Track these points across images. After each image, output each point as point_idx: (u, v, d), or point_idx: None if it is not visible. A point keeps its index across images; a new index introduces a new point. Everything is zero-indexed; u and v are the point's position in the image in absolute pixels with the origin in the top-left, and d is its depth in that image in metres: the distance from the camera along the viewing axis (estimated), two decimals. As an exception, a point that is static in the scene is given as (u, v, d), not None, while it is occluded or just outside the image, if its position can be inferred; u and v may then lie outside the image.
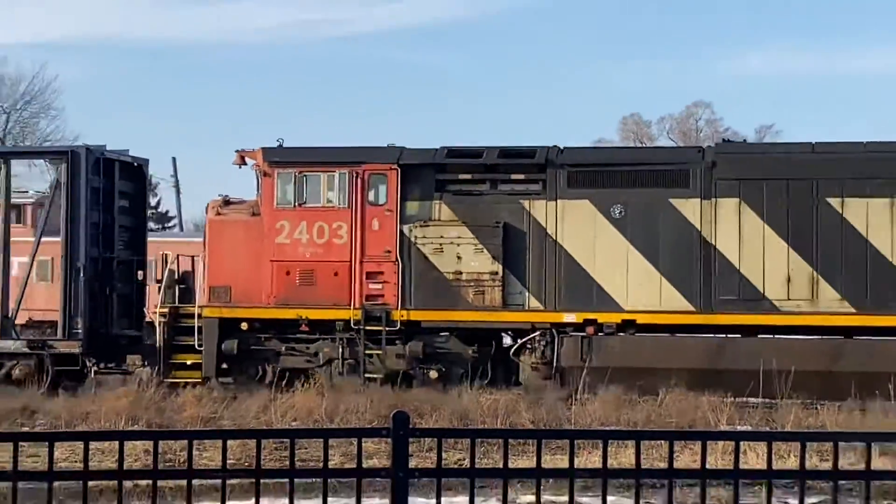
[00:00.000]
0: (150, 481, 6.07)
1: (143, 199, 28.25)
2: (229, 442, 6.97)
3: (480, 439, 7.35)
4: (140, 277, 25.84)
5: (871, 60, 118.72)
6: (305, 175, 23.48)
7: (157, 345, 23.31)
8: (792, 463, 6.65)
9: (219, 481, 6.15)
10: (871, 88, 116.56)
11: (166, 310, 23.32)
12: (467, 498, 5.69)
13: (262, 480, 5.85)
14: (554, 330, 22.44)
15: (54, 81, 65.34)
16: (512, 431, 7.51)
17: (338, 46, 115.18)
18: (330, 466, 6.15)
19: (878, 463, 7.34)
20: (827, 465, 6.23)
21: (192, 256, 24.87)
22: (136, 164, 27.71)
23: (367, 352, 22.82)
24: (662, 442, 7.42)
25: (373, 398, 19.30)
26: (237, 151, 24.28)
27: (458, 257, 22.86)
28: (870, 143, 23.25)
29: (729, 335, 22.26)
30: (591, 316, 22.24)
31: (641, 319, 22.22)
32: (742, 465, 5.82)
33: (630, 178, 23.10)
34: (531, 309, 22.80)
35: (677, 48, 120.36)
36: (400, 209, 22.96)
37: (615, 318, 22.18)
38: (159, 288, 24.13)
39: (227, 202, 24.84)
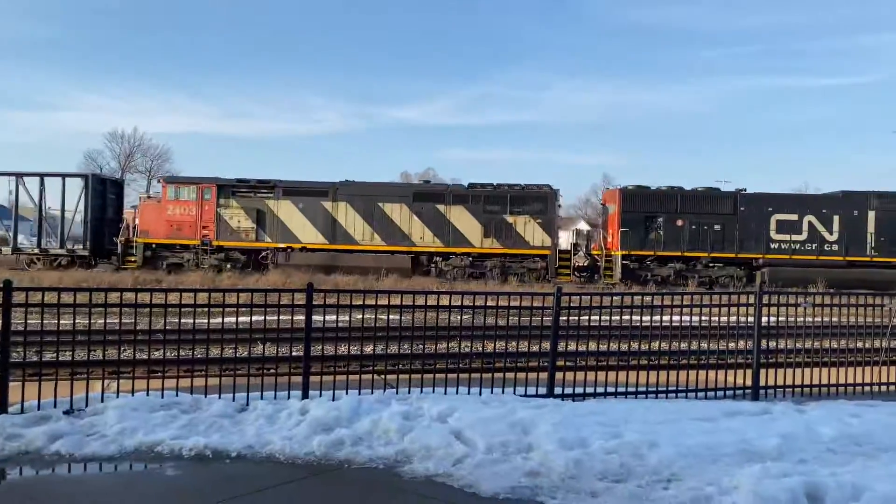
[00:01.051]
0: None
1: (121, 195, 34.22)
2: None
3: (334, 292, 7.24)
4: (119, 226, 31.03)
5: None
6: (180, 187, 30.37)
7: (119, 252, 30.11)
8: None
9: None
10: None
11: (123, 239, 30.16)
12: (335, 316, 7.24)
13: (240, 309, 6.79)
14: (276, 250, 29.79)
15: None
16: (338, 290, 7.18)
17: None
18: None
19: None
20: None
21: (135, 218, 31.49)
22: (118, 181, 35.47)
23: (203, 257, 29.71)
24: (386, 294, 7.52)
25: (221, 277, 26.89)
26: (157, 179, 32.41)
27: (239, 221, 30.02)
28: (398, 182, 32.38)
29: (339, 252, 29.50)
30: (289, 244, 29.68)
31: (309, 246, 29.71)
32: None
33: (306, 192, 30.00)
34: (267, 242, 29.95)
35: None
36: (216, 202, 29.88)
37: (299, 245, 29.71)
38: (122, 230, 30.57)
39: (149, 197, 31.80)
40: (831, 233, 29.17)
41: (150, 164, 69.56)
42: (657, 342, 8.27)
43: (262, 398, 6.90)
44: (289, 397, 7.00)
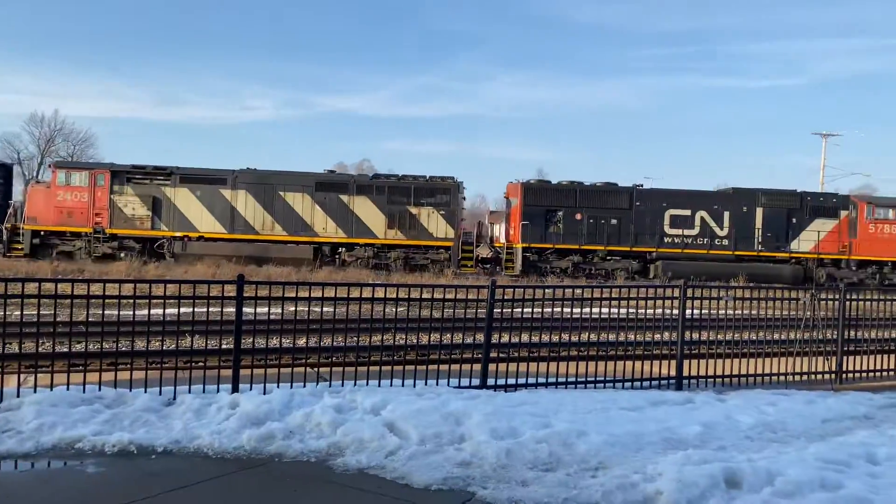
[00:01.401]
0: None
1: (9, 179, 34.16)
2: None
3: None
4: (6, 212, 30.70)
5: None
6: (71, 173, 30.70)
7: (5, 239, 29.98)
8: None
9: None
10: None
11: (9, 225, 30.06)
12: (266, 309, 7.44)
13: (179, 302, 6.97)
14: (172, 239, 30.25)
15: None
16: (270, 282, 7.18)
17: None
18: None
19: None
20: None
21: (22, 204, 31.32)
22: (5, 165, 35.42)
23: (95, 245, 29.88)
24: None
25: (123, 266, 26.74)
26: (49, 165, 32.10)
27: (133, 209, 30.35)
28: (300, 171, 31.51)
29: (238, 242, 30.10)
30: (187, 233, 30.16)
31: (206, 235, 30.34)
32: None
33: (204, 180, 30.58)
34: (163, 230, 30.44)
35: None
36: (110, 188, 30.17)
37: (196, 234, 30.37)
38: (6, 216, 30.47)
39: (37, 182, 32.46)
40: (722, 228, 31.45)
41: (73, 150, 67.70)
42: (587, 334, 8.84)
43: (190, 392, 6.96)
44: (218, 391, 7.09)
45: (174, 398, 6.90)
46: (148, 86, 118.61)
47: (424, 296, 8.13)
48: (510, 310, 8.46)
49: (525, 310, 8.56)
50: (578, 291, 8.89)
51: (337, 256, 30.87)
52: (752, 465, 5.75)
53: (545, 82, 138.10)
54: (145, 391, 6.88)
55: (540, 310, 8.56)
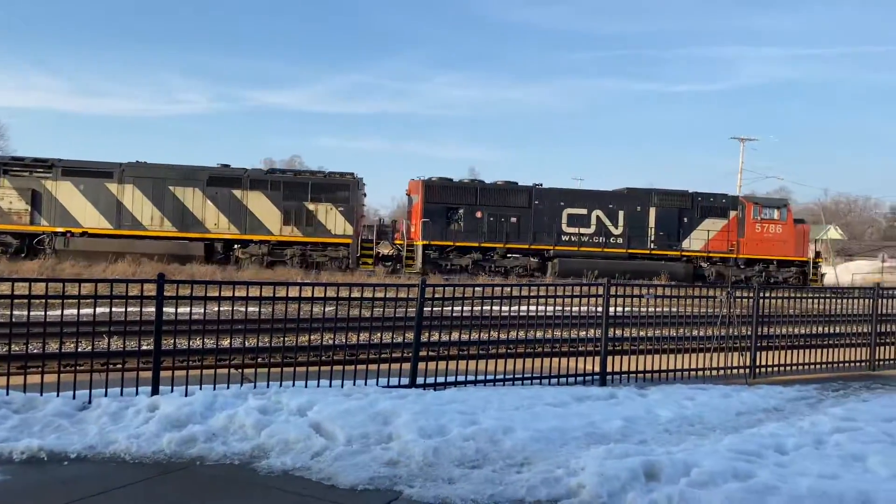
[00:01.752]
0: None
1: None
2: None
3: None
4: None
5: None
6: None
7: None
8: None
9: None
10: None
11: None
12: (188, 309, 7.41)
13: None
14: (54, 234, 29.00)
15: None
16: (192, 280, 7.33)
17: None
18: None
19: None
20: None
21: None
22: None
23: None
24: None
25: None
26: None
27: (11, 202, 29.07)
28: (192, 165, 30.88)
29: (125, 238, 29.26)
30: (70, 229, 29.08)
31: (91, 231, 29.25)
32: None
33: (89, 173, 29.59)
34: (44, 225, 29.13)
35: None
36: None
37: (79, 231, 29.24)
38: None
39: None
40: (617, 227, 32.74)
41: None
42: (515, 331, 9.07)
43: (106, 395, 6.86)
44: (137, 394, 7.00)
45: (89, 402, 6.78)
46: (70, 77, 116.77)
47: (353, 295, 8.16)
48: (440, 308, 8.59)
49: (455, 308, 8.71)
50: (507, 290, 9.09)
51: (231, 254, 30.52)
52: (670, 458, 6.01)
53: (480, 83, 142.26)
54: (58, 395, 6.74)
55: (469, 308, 8.72)
